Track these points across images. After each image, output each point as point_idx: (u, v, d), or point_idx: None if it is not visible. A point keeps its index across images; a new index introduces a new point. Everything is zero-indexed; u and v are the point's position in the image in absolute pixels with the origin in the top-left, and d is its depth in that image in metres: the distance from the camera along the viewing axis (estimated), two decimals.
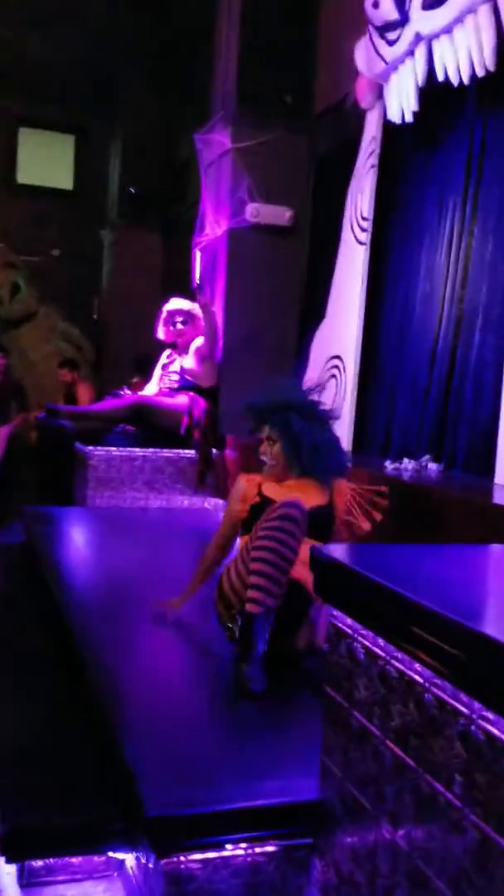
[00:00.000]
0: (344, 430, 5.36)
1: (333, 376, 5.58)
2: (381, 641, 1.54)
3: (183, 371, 6.10)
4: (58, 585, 3.41)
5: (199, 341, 6.08)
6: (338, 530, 2.89)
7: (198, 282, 6.66)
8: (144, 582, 3.49)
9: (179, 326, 6.15)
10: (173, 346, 6.32)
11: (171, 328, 6.19)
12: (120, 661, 2.56)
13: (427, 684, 1.40)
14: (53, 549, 4.07)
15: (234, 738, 2.09)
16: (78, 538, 4.52)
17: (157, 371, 6.35)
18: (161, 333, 6.29)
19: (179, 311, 6.17)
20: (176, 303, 6.22)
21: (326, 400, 5.65)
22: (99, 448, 5.68)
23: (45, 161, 11.20)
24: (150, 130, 10.29)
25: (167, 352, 6.38)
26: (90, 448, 5.67)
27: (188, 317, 6.16)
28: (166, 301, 6.33)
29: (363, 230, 5.39)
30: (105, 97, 10.61)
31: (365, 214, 5.37)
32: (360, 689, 1.61)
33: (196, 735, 2.09)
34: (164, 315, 6.23)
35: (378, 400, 5.26)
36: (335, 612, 1.71)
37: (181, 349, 6.23)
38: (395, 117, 4.75)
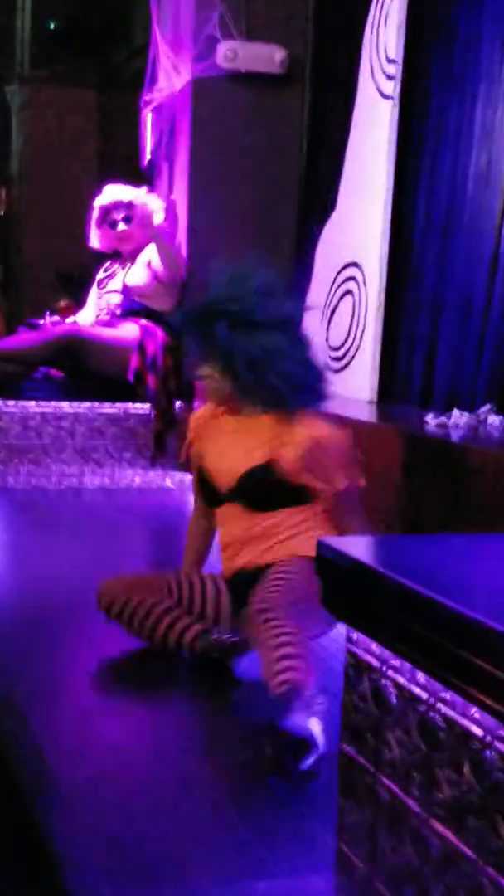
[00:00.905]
0: (364, 371, 5.33)
1: (348, 292, 5.54)
2: (421, 677, 1.54)
3: (127, 289, 6.05)
4: None
5: (151, 252, 6.02)
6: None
7: (149, 159, 6.58)
8: (79, 597, 3.46)
9: (122, 227, 6.10)
10: (115, 255, 6.27)
11: (109, 229, 6.14)
12: (45, 710, 2.57)
13: (489, 738, 1.40)
14: None
15: (210, 814, 2.09)
16: None
17: (94, 291, 6.31)
18: (95, 239, 6.24)
19: (119, 205, 6.10)
20: (113, 192, 6.15)
21: (339, 327, 5.67)
22: (10, 403, 5.65)
23: None
24: None
25: (107, 264, 6.32)
26: None
27: (133, 211, 6.09)
28: (100, 192, 6.26)
29: (389, 78, 5.34)
30: None
31: (391, 55, 5.31)
32: (391, 746, 1.61)
33: (156, 810, 2.10)
34: (97, 213, 6.17)
35: (414, 326, 5.23)
36: (354, 636, 1.70)
37: (126, 258, 6.18)
38: None
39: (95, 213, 6.19)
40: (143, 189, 6.23)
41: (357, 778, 1.70)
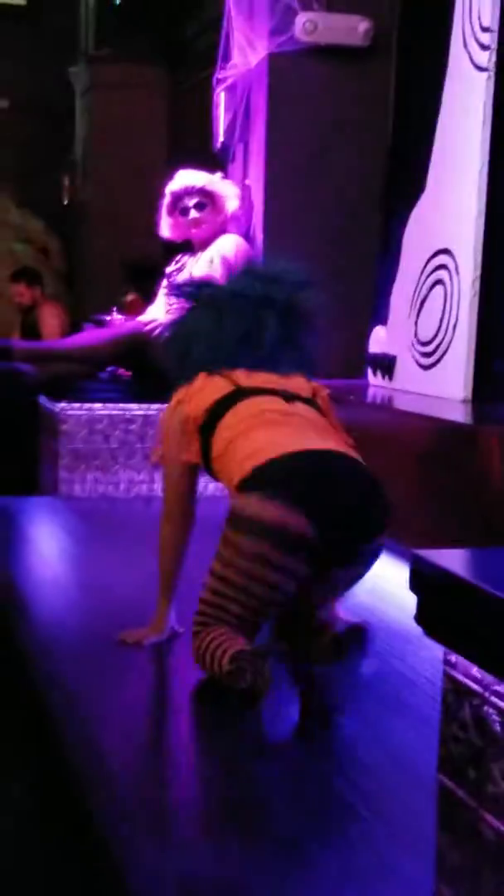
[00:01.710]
0: (457, 367, 5.29)
1: (439, 282, 5.51)
2: None
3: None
4: (16, 619, 3.43)
5: (226, 242, 6.02)
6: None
7: (222, 141, 6.60)
8: (149, 613, 3.49)
9: (194, 214, 6.12)
10: (187, 245, 6.30)
11: (181, 217, 6.17)
12: (112, 731, 2.57)
13: None
14: (9, 562, 4.09)
15: (291, 850, 2.06)
16: (46, 545, 4.54)
17: (164, 285, 6.35)
18: (165, 228, 6.27)
19: (191, 190, 6.13)
20: (184, 178, 6.19)
21: (429, 320, 5.64)
22: (76, 405, 5.70)
23: None
24: None
25: (178, 255, 6.36)
26: (62, 405, 5.68)
27: (206, 196, 6.11)
28: (171, 178, 6.30)
29: (484, 48, 5.29)
30: None
31: (486, 23, 5.27)
32: (495, 780, 1.59)
33: (230, 853, 2.08)
34: (167, 199, 6.21)
35: None
36: (452, 658, 1.68)
37: (198, 248, 6.20)
38: None
39: (166, 200, 6.22)
40: (217, 174, 6.25)
41: (457, 814, 1.69)
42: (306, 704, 2.81)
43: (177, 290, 3.39)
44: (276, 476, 2.77)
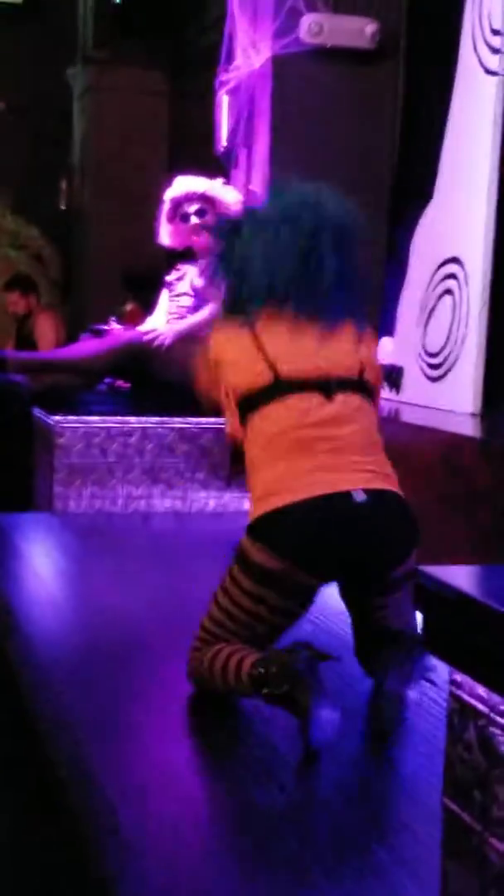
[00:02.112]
0: (466, 380, 5.30)
1: (448, 292, 5.52)
2: None
3: (197, 291, 6.08)
4: (11, 640, 3.42)
5: None
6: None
7: (225, 145, 6.61)
8: (149, 634, 3.49)
9: (195, 220, 6.12)
10: (188, 253, 6.29)
11: (181, 224, 6.16)
12: (107, 746, 2.58)
13: None
14: (2, 580, 4.09)
15: (292, 876, 2.08)
16: (41, 563, 4.54)
17: (164, 294, 6.34)
18: (165, 235, 6.27)
19: (191, 196, 6.12)
20: (185, 184, 6.18)
21: (437, 331, 5.64)
22: (72, 417, 5.70)
23: None
24: None
25: (178, 264, 6.35)
26: (57, 418, 5.69)
27: (207, 203, 6.11)
28: (170, 184, 6.30)
29: (494, 51, 5.32)
30: None
31: (496, 25, 5.30)
32: (501, 804, 1.58)
33: (228, 877, 2.09)
34: (167, 206, 6.20)
35: None
36: (458, 678, 1.68)
37: (200, 255, 6.21)
38: None
39: (166, 207, 6.21)
40: (219, 180, 6.25)
41: (463, 838, 1.68)
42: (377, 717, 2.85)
43: (215, 225, 3.27)
44: (287, 530, 2.81)
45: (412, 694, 2.88)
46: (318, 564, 2.82)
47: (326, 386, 2.93)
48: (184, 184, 6.18)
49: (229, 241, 3.09)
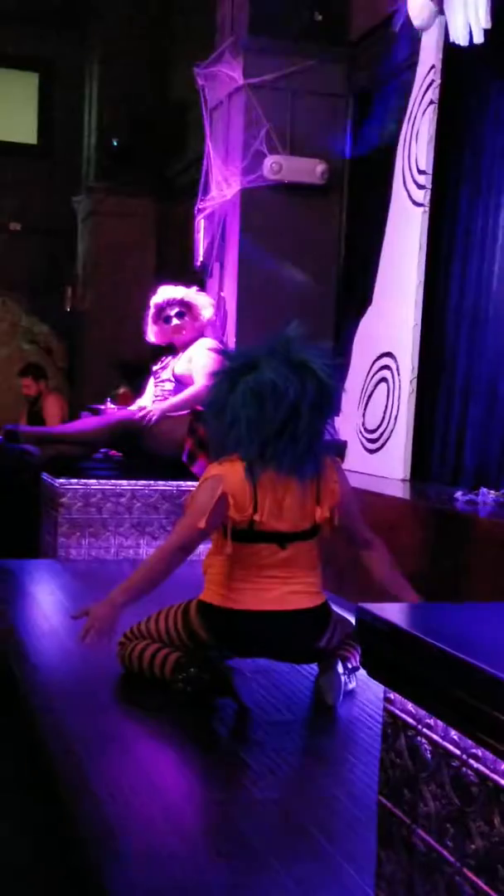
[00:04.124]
0: (398, 452, 5.33)
1: (383, 380, 5.56)
2: (454, 734, 1.51)
3: (178, 378, 6.08)
4: (19, 665, 3.39)
5: (203, 344, 6.03)
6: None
7: (201, 260, 6.67)
8: None
9: (175, 322, 6.13)
10: (170, 348, 6.31)
11: (164, 325, 6.17)
12: (110, 782, 2.51)
13: None
14: (12, 617, 4.05)
15: (249, 861, 2.06)
16: (46, 602, 4.50)
17: (151, 381, 6.35)
18: (151, 334, 6.27)
19: (171, 302, 6.15)
20: (166, 291, 6.20)
21: (375, 411, 5.68)
22: (73, 481, 5.68)
23: (0, 107, 11.36)
24: (136, 65, 10.39)
25: (162, 356, 6.37)
26: (61, 481, 5.66)
27: (184, 307, 6.14)
28: (155, 292, 6.34)
29: (420, 187, 5.40)
30: (75, 20, 10.73)
31: (422, 166, 5.38)
32: (426, 800, 1.58)
33: (200, 859, 2.06)
34: (152, 310, 6.21)
35: (444, 411, 5.23)
36: (391, 696, 1.68)
37: (180, 349, 6.23)
38: (460, 38, 4.76)
39: (151, 311, 6.23)
40: (194, 288, 6.29)
41: (394, 829, 1.67)
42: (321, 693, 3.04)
43: (220, 370, 3.12)
44: (223, 623, 3.05)
45: (354, 711, 2.88)
46: (247, 654, 3.14)
47: (287, 536, 3.03)
48: (166, 291, 6.21)
49: (221, 399, 3.02)
